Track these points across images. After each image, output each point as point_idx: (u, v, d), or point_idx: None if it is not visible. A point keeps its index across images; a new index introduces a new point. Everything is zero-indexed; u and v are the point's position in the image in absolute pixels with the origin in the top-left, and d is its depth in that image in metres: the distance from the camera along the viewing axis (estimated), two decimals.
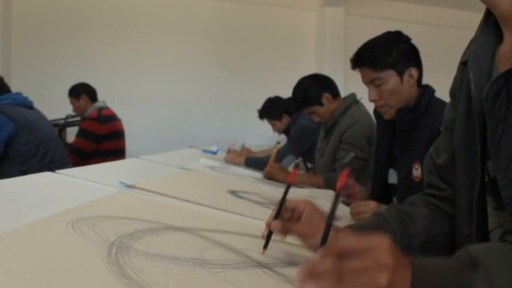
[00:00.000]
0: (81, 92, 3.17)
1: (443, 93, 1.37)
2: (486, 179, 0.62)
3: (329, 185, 1.70)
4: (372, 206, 1.18)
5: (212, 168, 1.85)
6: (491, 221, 0.63)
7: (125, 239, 0.57)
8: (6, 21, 4.09)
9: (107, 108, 3.18)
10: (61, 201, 0.75)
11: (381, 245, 0.45)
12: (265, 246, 0.65)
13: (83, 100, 3.16)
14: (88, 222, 0.61)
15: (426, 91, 1.34)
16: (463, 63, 0.71)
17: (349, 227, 0.74)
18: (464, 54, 0.71)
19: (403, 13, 5.06)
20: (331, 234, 0.50)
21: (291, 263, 0.62)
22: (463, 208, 0.67)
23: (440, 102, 1.31)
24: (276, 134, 3.88)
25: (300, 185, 1.74)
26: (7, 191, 0.78)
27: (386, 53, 1.35)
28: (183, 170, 1.57)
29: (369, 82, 1.37)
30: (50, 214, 0.62)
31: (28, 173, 0.99)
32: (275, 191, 1.48)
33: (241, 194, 1.21)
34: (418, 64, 1.43)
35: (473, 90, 0.62)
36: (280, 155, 2.29)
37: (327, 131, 2.01)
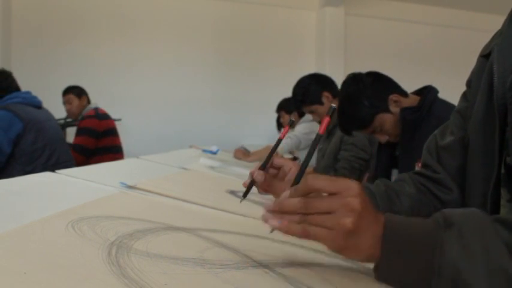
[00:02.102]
0: (82, 93, 3.27)
1: (443, 92, 1.37)
2: (502, 171, 0.62)
3: None
4: None
5: (212, 168, 1.85)
6: (503, 213, 0.62)
7: (125, 239, 0.57)
8: (6, 21, 4.09)
9: (101, 108, 3.29)
10: (61, 201, 0.74)
11: (351, 189, 0.45)
12: (245, 195, 0.64)
13: (83, 100, 3.26)
14: (88, 222, 0.61)
15: (430, 92, 1.34)
16: (484, 56, 0.70)
17: None
18: (487, 46, 0.71)
19: (403, 13, 5.06)
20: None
21: (291, 263, 0.62)
22: (476, 200, 0.67)
23: (444, 103, 1.31)
24: (275, 133, 3.88)
25: None
26: (7, 191, 0.78)
27: (362, 109, 1.32)
28: (183, 170, 1.57)
29: (370, 134, 1.38)
30: (50, 214, 0.62)
31: (33, 173, 0.99)
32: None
33: (241, 194, 1.21)
34: (391, 86, 1.37)
35: (496, 82, 0.62)
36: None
37: (328, 132, 2.02)
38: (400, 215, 0.72)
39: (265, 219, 0.46)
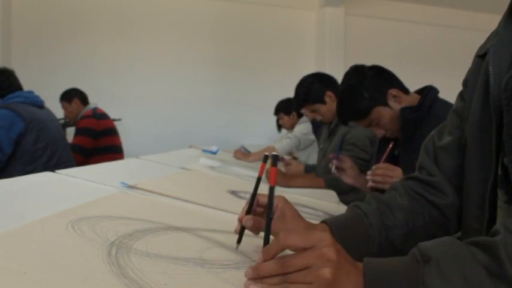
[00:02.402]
0: (73, 96, 3.25)
1: (443, 92, 1.37)
2: (499, 172, 0.61)
3: (330, 186, 1.70)
4: (399, 172, 1.16)
5: (212, 168, 1.85)
6: (500, 215, 0.62)
7: (125, 239, 0.57)
8: (6, 21, 4.09)
9: (99, 108, 3.28)
10: (61, 201, 0.74)
11: (324, 240, 0.45)
12: (239, 241, 0.63)
13: (75, 104, 3.24)
14: (88, 222, 0.61)
15: (430, 91, 1.33)
16: (480, 56, 0.70)
17: (325, 221, 0.72)
18: (483, 47, 0.71)
19: (403, 13, 5.06)
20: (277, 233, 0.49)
21: None
22: (474, 202, 0.66)
23: (444, 103, 1.31)
24: (275, 133, 3.89)
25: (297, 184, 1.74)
26: (7, 191, 0.78)
27: (360, 100, 1.33)
28: (183, 170, 1.57)
29: (367, 126, 1.38)
30: (50, 214, 0.62)
31: (33, 173, 0.99)
32: (276, 191, 1.48)
33: (241, 194, 1.21)
34: (392, 81, 1.38)
35: (492, 83, 0.61)
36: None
37: (330, 132, 2.01)
38: (395, 228, 0.72)
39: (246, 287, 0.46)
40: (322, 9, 4.82)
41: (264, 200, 0.66)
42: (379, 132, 1.38)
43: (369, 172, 1.19)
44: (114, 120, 3.38)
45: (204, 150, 2.73)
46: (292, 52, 4.89)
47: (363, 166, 1.78)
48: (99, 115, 3.17)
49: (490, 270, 0.42)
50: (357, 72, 1.38)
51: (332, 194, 1.58)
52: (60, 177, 0.99)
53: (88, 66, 4.32)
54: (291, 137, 2.99)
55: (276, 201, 0.67)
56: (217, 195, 1.16)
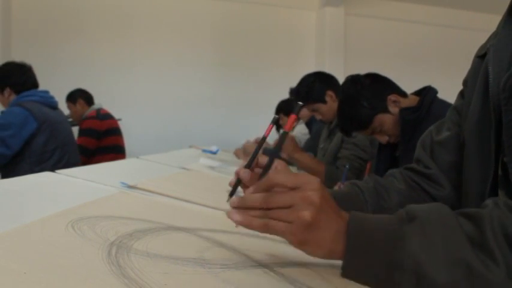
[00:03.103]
0: (78, 97, 3.27)
1: (442, 92, 1.37)
2: (499, 172, 0.61)
3: (328, 178, 1.69)
4: (313, 184, 1.17)
5: (212, 168, 1.85)
6: None
7: (125, 239, 0.57)
8: (6, 21, 4.09)
9: (103, 109, 3.29)
10: (61, 201, 0.74)
11: (310, 183, 0.46)
12: (231, 194, 0.61)
13: (80, 104, 3.26)
14: (88, 222, 0.61)
15: (429, 92, 1.34)
16: (480, 57, 0.70)
17: None
18: (483, 47, 0.71)
19: (403, 13, 5.06)
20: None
21: (291, 263, 0.62)
22: (474, 201, 0.66)
23: (443, 103, 1.31)
24: (275, 133, 3.88)
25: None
26: (7, 191, 0.78)
27: (361, 110, 1.33)
28: (183, 170, 1.57)
29: (370, 134, 1.38)
30: (50, 214, 0.62)
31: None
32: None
33: (242, 194, 1.21)
34: (390, 86, 1.38)
35: (491, 83, 0.61)
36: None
37: (330, 131, 2.01)
38: (389, 210, 0.72)
39: (229, 215, 0.47)
40: (322, 9, 4.82)
41: (264, 161, 0.63)
42: (383, 139, 1.37)
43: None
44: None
45: (204, 150, 2.73)
46: (292, 52, 4.89)
47: (363, 166, 1.78)
48: (103, 115, 3.17)
49: (472, 239, 0.42)
50: (353, 82, 1.37)
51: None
52: (60, 177, 0.99)
53: (88, 66, 4.32)
54: None
55: (275, 164, 0.65)
56: (217, 195, 1.16)
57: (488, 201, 0.46)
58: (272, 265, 0.57)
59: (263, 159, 0.64)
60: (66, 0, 4.35)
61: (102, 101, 3.41)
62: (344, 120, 1.42)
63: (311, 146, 2.40)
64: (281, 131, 0.59)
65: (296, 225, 0.44)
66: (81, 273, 0.44)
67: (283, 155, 1.73)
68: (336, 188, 1.51)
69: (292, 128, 3.18)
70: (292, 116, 0.53)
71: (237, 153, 2.69)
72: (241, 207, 0.47)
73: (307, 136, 2.86)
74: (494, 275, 0.40)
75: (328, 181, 1.66)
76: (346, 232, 0.45)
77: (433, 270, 0.41)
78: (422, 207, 0.46)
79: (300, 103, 0.53)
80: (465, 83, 0.77)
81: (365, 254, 0.44)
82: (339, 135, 1.87)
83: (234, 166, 2.08)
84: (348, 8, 4.87)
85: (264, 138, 0.61)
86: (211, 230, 0.71)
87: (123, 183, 0.99)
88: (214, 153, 2.67)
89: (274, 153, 0.53)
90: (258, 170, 0.65)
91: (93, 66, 4.34)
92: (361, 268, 0.45)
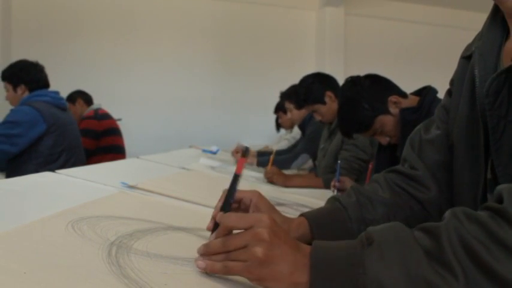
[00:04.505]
0: (77, 97, 3.26)
1: (443, 92, 1.37)
2: (489, 176, 0.61)
3: (328, 184, 1.70)
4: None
5: (212, 168, 1.85)
6: None
7: (125, 239, 0.57)
8: (6, 21, 4.09)
9: (102, 109, 3.27)
10: (61, 201, 0.74)
11: (260, 221, 0.47)
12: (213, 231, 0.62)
13: (79, 104, 3.25)
14: (88, 222, 0.61)
15: (429, 92, 1.33)
16: (465, 58, 0.70)
17: (303, 215, 0.72)
18: (468, 48, 0.70)
19: (403, 13, 5.06)
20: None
21: None
22: (466, 205, 0.66)
23: None
24: (275, 133, 3.89)
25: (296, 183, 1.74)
26: (7, 191, 0.78)
27: (362, 112, 1.32)
28: (183, 170, 1.57)
29: (371, 136, 1.38)
30: (50, 214, 0.62)
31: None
32: (276, 191, 1.48)
33: None
34: (390, 88, 1.37)
35: (478, 86, 0.61)
36: (296, 153, 2.33)
37: (330, 132, 2.01)
38: (375, 222, 0.71)
39: (195, 263, 0.50)
40: (322, 9, 4.82)
41: (237, 196, 0.66)
42: (384, 140, 1.37)
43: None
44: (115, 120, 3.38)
45: (204, 150, 2.73)
46: (292, 52, 4.89)
47: (362, 167, 1.78)
48: (101, 116, 3.16)
49: (429, 253, 0.42)
50: (353, 84, 1.37)
51: (330, 194, 1.58)
52: (60, 177, 0.99)
53: (88, 66, 4.31)
54: (288, 138, 2.99)
55: (249, 196, 0.68)
56: (217, 195, 1.16)
57: (447, 213, 0.46)
58: None
59: (240, 194, 0.67)
60: (66, 0, 4.35)
61: (102, 101, 3.41)
62: (345, 122, 1.41)
63: (305, 150, 2.38)
64: (234, 174, 0.60)
65: (251, 263, 0.45)
66: (81, 273, 0.44)
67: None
68: (332, 184, 1.50)
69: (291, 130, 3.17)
70: (242, 160, 0.56)
71: (235, 155, 2.69)
72: (206, 253, 0.50)
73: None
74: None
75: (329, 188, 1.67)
76: (309, 264, 0.46)
77: None
78: (379, 228, 0.47)
79: (247, 146, 0.56)
80: (452, 82, 0.77)
81: (330, 283, 0.44)
82: (339, 135, 1.87)
83: (234, 166, 2.08)
84: (348, 8, 4.87)
85: (236, 176, 0.60)
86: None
87: (123, 183, 0.99)
88: (214, 153, 2.67)
89: (227, 198, 0.58)
90: (234, 206, 0.67)
91: (93, 66, 4.34)
92: None
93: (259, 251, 0.45)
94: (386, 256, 0.43)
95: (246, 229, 0.48)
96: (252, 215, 0.50)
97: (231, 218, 0.50)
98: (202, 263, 0.49)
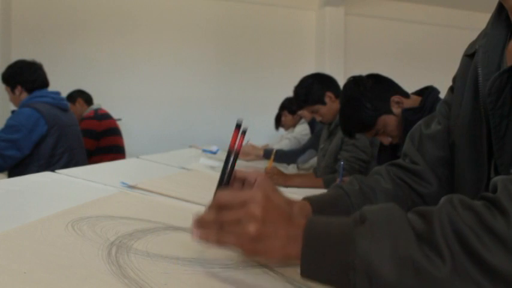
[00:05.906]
0: (77, 97, 3.26)
1: (444, 92, 1.37)
2: (492, 175, 0.61)
3: (329, 186, 1.70)
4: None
5: (212, 168, 1.85)
6: None
7: (125, 239, 0.57)
8: (6, 21, 4.09)
9: (102, 109, 3.27)
10: (61, 201, 0.75)
11: (253, 197, 0.48)
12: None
13: (79, 103, 3.25)
14: (88, 222, 0.61)
15: (431, 92, 1.33)
16: (468, 56, 0.70)
17: (306, 199, 0.72)
18: (471, 46, 0.70)
19: (403, 13, 5.06)
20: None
21: (290, 262, 0.62)
22: None
23: None
24: (275, 133, 3.89)
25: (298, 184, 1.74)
26: (7, 191, 0.78)
27: (364, 112, 1.31)
28: (183, 170, 1.57)
29: (374, 136, 1.37)
30: (50, 214, 0.62)
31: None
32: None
33: None
34: (392, 87, 1.37)
35: (481, 84, 0.61)
36: (303, 147, 2.34)
37: (330, 132, 2.01)
38: None
39: (190, 231, 0.51)
40: (322, 9, 4.82)
41: (240, 176, 0.67)
42: (386, 140, 1.37)
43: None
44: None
45: (204, 150, 2.73)
46: (292, 52, 4.89)
47: (362, 167, 1.78)
48: (101, 116, 3.15)
49: (420, 235, 0.42)
50: (356, 84, 1.36)
51: None
52: (60, 177, 0.99)
53: (88, 66, 4.31)
54: (290, 138, 2.99)
55: (253, 176, 0.69)
56: None
57: (443, 199, 0.46)
58: (272, 265, 0.57)
59: (241, 173, 0.67)
60: (66, 0, 4.35)
61: (102, 101, 3.41)
62: (347, 121, 1.40)
63: (313, 145, 2.40)
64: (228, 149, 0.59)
65: (244, 238, 0.46)
66: (81, 273, 0.44)
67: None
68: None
69: (294, 125, 3.17)
70: (235, 133, 0.54)
71: (248, 151, 2.68)
72: (199, 224, 0.51)
73: (308, 136, 2.86)
74: (439, 271, 0.39)
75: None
76: (301, 236, 0.46)
77: (382, 269, 0.41)
78: (374, 208, 0.47)
79: (242, 120, 0.56)
80: (454, 79, 0.77)
81: (321, 255, 0.45)
82: (339, 136, 1.87)
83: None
84: (348, 8, 4.87)
85: (236, 155, 0.62)
86: None
87: (123, 183, 0.99)
88: (214, 153, 2.67)
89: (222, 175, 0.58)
90: (238, 185, 0.68)
91: (93, 66, 4.34)
92: (318, 269, 0.46)
93: (252, 226, 0.45)
94: (377, 235, 0.43)
95: (239, 205, 0.48)
96: (245, 192, 0.50)
97: (224, 194, 0.50)
98: (197, 232, 0.50)
